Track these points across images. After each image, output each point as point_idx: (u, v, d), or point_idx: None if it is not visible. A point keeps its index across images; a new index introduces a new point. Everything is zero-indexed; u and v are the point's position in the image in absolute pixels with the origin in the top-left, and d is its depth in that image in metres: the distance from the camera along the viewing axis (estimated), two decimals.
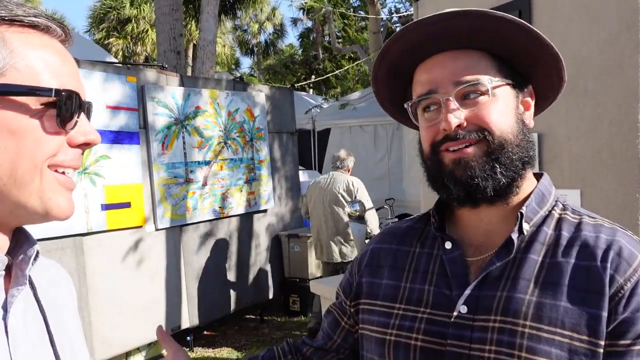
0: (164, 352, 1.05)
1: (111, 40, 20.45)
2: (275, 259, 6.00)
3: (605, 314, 0.78)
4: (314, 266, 5.87)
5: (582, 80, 1.78)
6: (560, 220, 0.88)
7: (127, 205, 4.41)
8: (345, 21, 18.73)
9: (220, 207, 5.31)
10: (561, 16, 1.82)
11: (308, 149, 10.36)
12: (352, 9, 15.43)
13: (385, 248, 1.02)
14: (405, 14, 12.04)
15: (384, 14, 10.80)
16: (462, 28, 0.85)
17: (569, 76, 1.77)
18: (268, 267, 5.92)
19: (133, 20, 20.50)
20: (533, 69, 0.90)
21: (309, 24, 22.56)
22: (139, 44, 20.71)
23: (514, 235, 0.85)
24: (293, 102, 6.48)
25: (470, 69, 0.85)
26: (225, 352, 5.05)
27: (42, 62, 0.65)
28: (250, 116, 5.72)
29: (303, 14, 21.69)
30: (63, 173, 0.69)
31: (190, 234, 5.03)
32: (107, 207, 4.24)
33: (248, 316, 5.94)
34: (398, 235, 1.02)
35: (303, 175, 7.60)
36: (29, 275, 0.70)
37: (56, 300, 0.77)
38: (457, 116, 0.84)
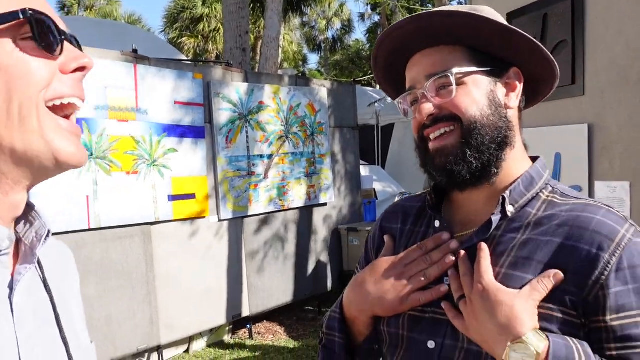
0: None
1: (183, 39, 21.19)
2: (335, 252, 6.08)
3: (573, 289, 0.82)
4: None
5: (635, 70, 1.72)
6: (546, 202, 0.92)
7: (192, 196, 4.62)
8: (412, 13, 18.50)
9: (280, 200, 5.44)
10: (616, 6, 1.76)
11: (371, 143, 10.36)
12: (419, 3, 15.24)
13: (391, 227, 1.10)
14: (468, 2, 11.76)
15: (452, 5, 10.59)
16: (433, 27, 0.93)
17: (622, 66, 1.72)
18: (327, 260, 6.00)
19: (205, 19, 21.16)
20: (512, 52, 0.94)
21: (376, 18, 22.45)
22: (210, 42, 21.35)
23: (494, 218, 0.91)
24: (355, 97, 6.51)
25: (439, 62, 0.93)
26: (283, 341, 5.18)
27: None
28: (312, 111, 5.81)
29: (371, 9, 21.63)
30: (68, 116, 0.66)
31: (251, 225, 5.19)
32: (173, 197, 4.45)
33: (306, 307, 6.06)
34: (401, 214, 1.10)
35: (365, 170, 7.62)
36: (37, 255, 0.68)
37: (62, 281, 0.77)
38: (427, 107, 0.92)
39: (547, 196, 0.93)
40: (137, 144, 4.19)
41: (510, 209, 0.91)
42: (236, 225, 5.04)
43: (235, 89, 5.02)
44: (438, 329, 0.92)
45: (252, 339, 5.20)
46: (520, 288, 0.84)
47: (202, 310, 4.68)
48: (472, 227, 0.95)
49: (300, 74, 5.33)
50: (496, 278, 0.86)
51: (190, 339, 4.86)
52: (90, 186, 3.87)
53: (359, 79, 11.81)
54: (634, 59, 1.71)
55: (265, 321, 5.63)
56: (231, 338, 5.27)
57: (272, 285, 5.37)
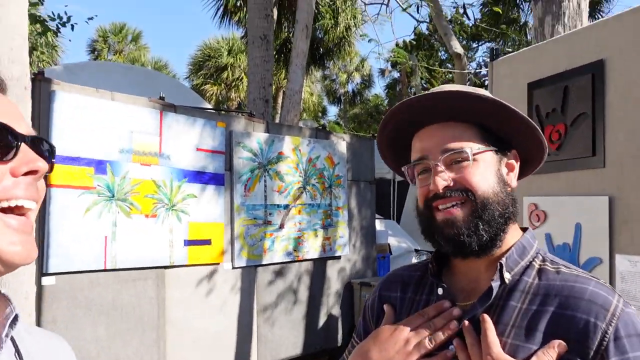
0: None
1: (206, 86, 21.72)
2: (346, 306, 6.01)
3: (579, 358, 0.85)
4: None
5: None
6: (539, 271, 0.98)
7: (208, 242, 4.65)
8: (432, 73, 18.88)
9: (295, 250, 5.44)
10: (636, 81, 1.81)
11: (387, 197, 10.38)
12: (438, 62, 15.56)
13: (391, 296, 1.13)
14: (487, 71, 11.97)
15: (471, 68, 10.79)
16: (446, 105, 0.99)
17: None
18: (338, 314, 5.93)
19: (229, 68, 21.74)
20: (514, 135, 1.01)
21: (396, 75, 22.89)
22: (232, 90, 21.85)
23: (494, 284, 0.95)
24: (373, 152, 6.58)
25: (455, 138, 0.99)
26: None
27: None
28: (331, 163, 5.89)
29: (392, 66, 22.08)
30: (22, 214, 0.68)
31: (264, 274, 5.18)
32: (189, 242, 4.49)
33: None
34: (400, 283, 1.13)
35: (380, 225, 7.61)
36: (16, 342, 0.69)
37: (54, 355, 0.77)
38: (443, 178, 0.97)
39: (540, 265, 0.99)
40: (158, 188, 4.26)
41: (507, 276, 0.96)
42: (249, 273, 5.04)
43: (257, 138, 5.13)
44: None
45: None
46: (525, 357, 0.87)
47: (210, 358, 4.62)
48: (473, 295, 1.00)
49: (320, 127, 5.46)
50: (503, 349, 0.89)
51: None
52: (109, 227, 3.93)
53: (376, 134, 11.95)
54: None
55: None
56: None
57: (282, 336, 5.30)
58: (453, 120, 1.01)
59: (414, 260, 5.19)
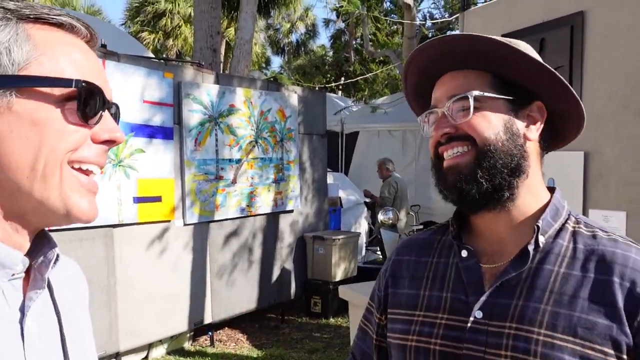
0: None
1: (144, 34, 20.72)
2: (299, 260, 6.02)
3: (625, 328, 0.82)
4: (337, 269, 5.88)
5: (633, 99, 1.75)
6: (574, 233, 0.93)
7: (158, 199, 4.47)
8: (377, 25, 18.69)
9: (247, 206, 5.35)
10: (615, 35, 1.79)
11: (335, 151, 10.36)
12: (383, 13, 15.40)
13: (405, 260, 1.08)
14: (439, 20, 11.96)
15: (418, 19, 10.73)
16: (461, 50, 0.94)
17: (620, 95, 1.74)
18: (291, 268, 5.94)
19: (167, 15, 20.75)
20: (540, 86, 0.95)
21: (342, 25, 22.56)
22: (171, 38, 20.94)
23: (530, 247, 0.90)
24: (325, 105, 6.49)
25: (463, 86, 0.94)
26: (245, 349, 5.08)
27: (65, 57, 0.66)
28: (282, 116, 5.75)
29: (337, 16, 21.71)
30: (87, 174, 0.69)
31: (217, 230, 5.08)
32: (139, 200, 4.30)
33: (269, 315, 5.97)
34: (416, 247, 1.09)
35: (330, 178, 7.60)
36: (47, 277, 0.70)
37: (70, 299, 0.77)
38: (444, 125, 0.94)
39: (573, 227, 0.94)
40: None
41: (542, 239, 0.91)
42: (201, 230, 4.92)
43: (206, 90, 4.91)
44: None
45: (214, 347, 5.08)
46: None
47: (163, 317, 4.54)
48: (497, 257, 0.95)
49: (272, 79, 5.26)
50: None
51: (149, 346, 4.70)
52: None
53: (322, 85, 11.80)
54: (632, 89, 1.74)
55: (227, 328, 5.52)
56: (192, 345, 5.12)
57: (235, 292, 5.26)
58: (467, 68, 0.95)
59: (380, 217, 5.17)
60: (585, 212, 1.81)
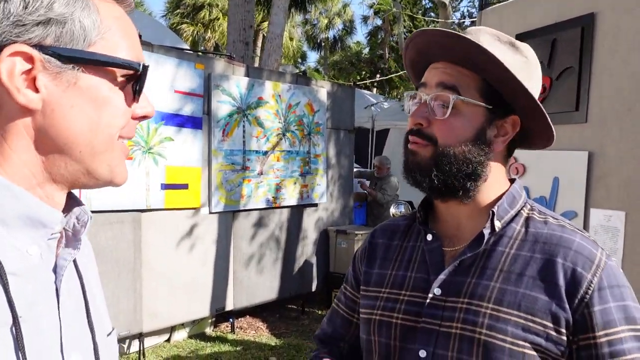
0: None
1: (183, 26, 21.09)
2: (322, 253, 6.10)
3: (565, 304, 0.89)
4: None
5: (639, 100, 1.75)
6: (527, 219, 1.00)
7: (185, 186, 4.61)
8: (414, 22, 18.58)
9: (273, 197, 5.45)
10: (624, 36, 1.79)
11: (365, 147, 10.39)
12: (422, 11, 15.30)
13: (379, 243, 1.16)
14: (476, 18, 11.83)
15: (455, 18, 10.64)
16: (458, 48, 0.95)
17: (626, 96, 1.76)
18: (314, 260, 6.02)
19: (206, 7, 21.07)
20: (517, 101, 0.97)
21: (379, 22, 22.48)
22: (209, 30, 21.26)
23: (486, 231, 0.97)
24: (353, 100, 6.53)
25: (453, 78, 0.96)
26: (264, 337, 5.19)
27: (125, 34, 0.67)
28: (310, 110, 5.82)
29: (374, 13, 21.66)
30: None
31: (241, 220, 5.20)
32: (166, 186, 4.45)
33: (290, 306, 6.07)
34: (389, 232, 1.16)
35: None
36: (81, 240, 0.71)
37: (86, 268, 0.78)
38: (421, 114, 0.97)
39: (528, 213, 1.01)
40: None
41: (497, 224, 0.98)
42: (226, 218, 5.05)
43: (236, 82, 5.02)
44: (429, 338, 0.96)
45: (234, 333, 5.21)
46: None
47: (186, 301, 4.68)
48: (459, 240, 1.02)
49: (301, 73, 5.31)
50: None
51: (172, 329, 4.86)
52: None
53: (357, 82, 11.83)
54: (639, 90, 1.75)
55: (247, 316, 5.64)
56: (213, 331, 5.27)
57: (257, 281, 5.38)
58: (461, 65, 0.97)
59: (392, 210, 5.26)
60: (587, 211, 1.83)
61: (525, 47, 1.01)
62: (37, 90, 0.61)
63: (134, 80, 0.67)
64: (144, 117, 0.71)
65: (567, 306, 0.89)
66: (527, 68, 0.98)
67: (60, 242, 0.70)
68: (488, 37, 0.99)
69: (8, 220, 0.62)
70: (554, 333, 0.89)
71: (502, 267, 0.95)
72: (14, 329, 0.58)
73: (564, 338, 0.89)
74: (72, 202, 0.72)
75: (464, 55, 0.96)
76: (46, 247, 0.66)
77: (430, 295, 0.98)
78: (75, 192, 0.75)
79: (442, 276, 0.98)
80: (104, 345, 0.74)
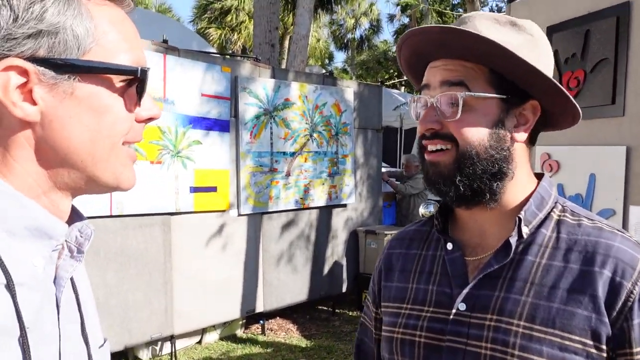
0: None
1: (210, 30, 21.34)
2: (351, 254, 6.06)
3: (604, 318, 0.81)
4: None
5: None
6: (559, 222, 0.91)
7: (213, 189, 4.63)
8: (443, 18, 18.37)
9: (301, 198, 5.44)
10: None
11: (394, 147, 10.30)
12: (450, 7, 15.12)
13: (395, 253, 1.09)
14: (505, 12, 11.63)
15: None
16: (456, 42, 0.88)
17: None
18: (344, 261, 5.99)
19: (233, 11, 21.26)
20: (527, 83, 0.89)
21: (405, 20, 22.32)
22: (236, 33, 21.45)
23: (513, 240, 0.88)
24: (381, 100, 6.48)
25: (458, 73, 0.89)
26: (295, 339, 5.18)
27: (123, 37, 0.65)
28: (338, 111, 5.79)
29: (401, 11, 21.52)
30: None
31: (270, 221, 5.20)
32: (195, 189, 4.48)
33: (320, 307, 6.05)
34: (406, 240, 1.09)
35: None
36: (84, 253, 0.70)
37: (80, 280, 0.77)
38: (431, 119, 0.90)
39: (559, 215, 0.92)
40: (163, 134, 4.21)
41: (525, 230, 0.89)
42: (255, 220, 5.05)
43: (262, 84, 5.03)
44: (455, 359, 0.89)
45: (265, 335, 5.21)
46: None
47: (216, 303, 4.70)
48: (481, 249, 0.94)
49: (327, 73, 5.27)
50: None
51: (203, 331, 4.89)
52: None
53: (384, 81, 11.75)
54: None
55: (278, 318, 5.64)
56: (243, 332, 5.28)
57: (287, 282, 5.37)
58: (463, 59, 0.89)
59: (421, 210, 5.17)
60: (625, 208, 1.75)
61: (528, 23, 0.91)
62: (34, 103, 0.60)
63: (135, 83, 0.66)
64: (150, 119, 0.70)
65: (606, 320, 0.81)
66: (534, 47, 0.89)
67: (60, 254, 0.69)
68: (485, 22, 0.89)
69: (15, 231, 0.61)
70: (594, 351, 0.81)
71: (533, 280, 0.87)
72: (21, 340, 0.58)
73: (604, 355, 0.81)
74: (74, 216, 0.72)
75: (463, 48, 0.88)
76: (49, 259, 0.66)
77: (454, 310, 0.91)
78: (84, 198, 0.73)
79: (466, 290, 0.91)
80: (97, 358, 0.74)
